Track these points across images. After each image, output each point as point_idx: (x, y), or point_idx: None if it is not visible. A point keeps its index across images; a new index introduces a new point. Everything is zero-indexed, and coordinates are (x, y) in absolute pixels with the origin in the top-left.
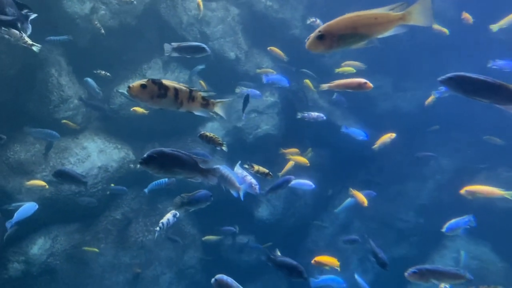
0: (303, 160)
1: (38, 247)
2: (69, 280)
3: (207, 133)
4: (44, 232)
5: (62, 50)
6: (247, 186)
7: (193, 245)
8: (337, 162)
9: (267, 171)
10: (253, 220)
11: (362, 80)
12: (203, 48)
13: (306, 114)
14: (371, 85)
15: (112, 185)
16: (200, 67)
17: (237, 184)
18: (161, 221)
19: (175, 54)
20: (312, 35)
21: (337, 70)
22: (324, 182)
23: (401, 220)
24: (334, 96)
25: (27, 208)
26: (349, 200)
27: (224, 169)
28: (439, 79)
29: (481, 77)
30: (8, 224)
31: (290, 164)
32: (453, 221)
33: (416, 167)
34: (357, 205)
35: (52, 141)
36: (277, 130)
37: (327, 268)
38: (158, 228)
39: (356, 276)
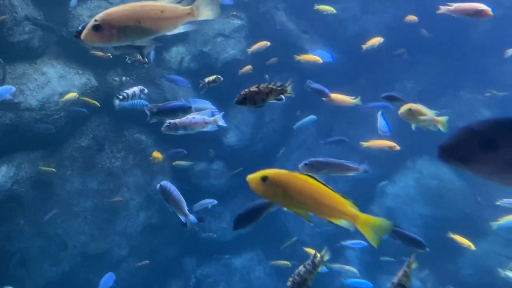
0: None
1: (2, 174)
2: (35, 207)
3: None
4: (7, 160)
5: None
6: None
7: (162, 171)
8: (304, 85)
9: (214, 76)
10: (222, 147)
11: (482, 6)
12: None
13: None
14: (491, 13)
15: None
16: None
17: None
18: (125, 90)
19: None
20: (89, 24)
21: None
22: (291, 106)
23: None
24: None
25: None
26: (310, 117)
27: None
28: None
29: None
30: None
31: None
32: (378, 118)
33: (379, 89)
34: (318, 124)
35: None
36: (245, 55)
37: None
38: (120, 97)
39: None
